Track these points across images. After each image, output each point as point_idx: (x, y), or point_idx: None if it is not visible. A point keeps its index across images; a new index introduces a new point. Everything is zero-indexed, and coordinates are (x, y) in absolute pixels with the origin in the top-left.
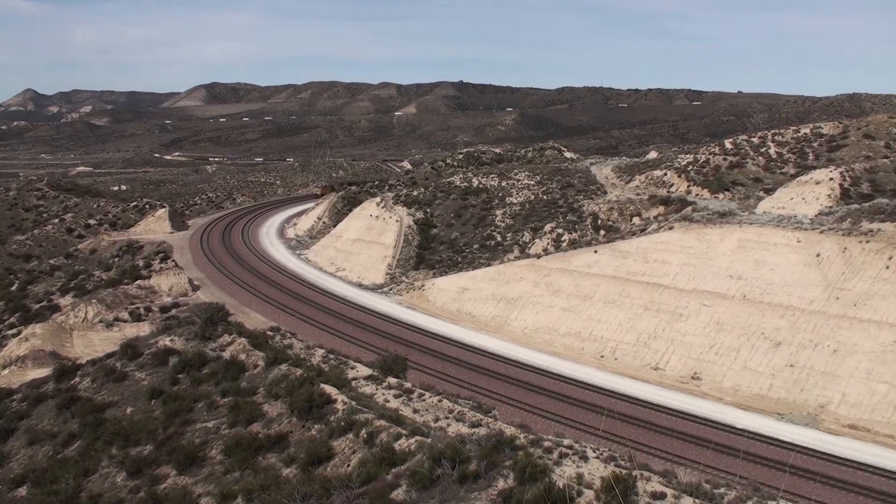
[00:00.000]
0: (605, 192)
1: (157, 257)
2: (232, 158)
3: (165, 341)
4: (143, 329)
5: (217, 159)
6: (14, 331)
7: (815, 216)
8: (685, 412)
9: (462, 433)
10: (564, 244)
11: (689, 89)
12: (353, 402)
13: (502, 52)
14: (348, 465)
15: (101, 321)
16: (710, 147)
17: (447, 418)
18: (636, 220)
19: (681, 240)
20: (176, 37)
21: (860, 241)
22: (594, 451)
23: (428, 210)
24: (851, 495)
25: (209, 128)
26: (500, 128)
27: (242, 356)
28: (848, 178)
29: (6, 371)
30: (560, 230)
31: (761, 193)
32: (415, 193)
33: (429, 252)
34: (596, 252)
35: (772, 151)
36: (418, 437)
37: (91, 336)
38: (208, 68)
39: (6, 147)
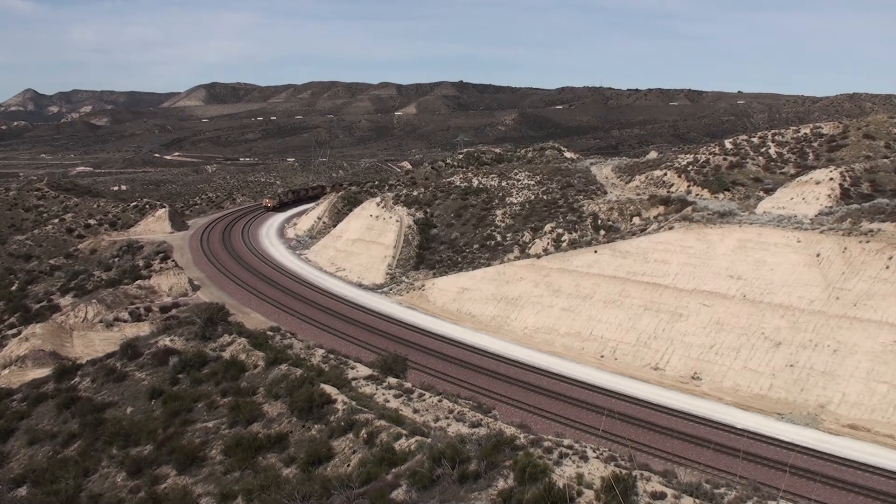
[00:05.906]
0: (605, 192)
1: (157, 257)
2: (263, 159)
3: (165, 341)
4: (143, 329)
5: (248, 159)
6: (14, 331)
7: (815, 216)
8: (685, 412)
9: (462, 433)
10: (564, 244)
11: (689, 89)
12: (353, 402)
13: (502, 52)
14: (348, 465)
15: (101, 321)
16: (710, 147)
17: (447, 418)
18: (636, 220)
19: (681, 240)
20: (175, 37)
21: (860, 241)
22: (594, 451)
23: (428, 210)
24: (851, 495)
25: (209, 127)
26: (500, 128)
27: (242, 356)
28: (848, 178)
29: (6, 371)
30: (560, 230)
31: (761, 193)
32: (415, 193)
33: (429, 252)
34: (596, 252)
35: (772, 151)
36: (418, 437)
37: (91, 336)
38: (208, 68)
39: (6, 147)
